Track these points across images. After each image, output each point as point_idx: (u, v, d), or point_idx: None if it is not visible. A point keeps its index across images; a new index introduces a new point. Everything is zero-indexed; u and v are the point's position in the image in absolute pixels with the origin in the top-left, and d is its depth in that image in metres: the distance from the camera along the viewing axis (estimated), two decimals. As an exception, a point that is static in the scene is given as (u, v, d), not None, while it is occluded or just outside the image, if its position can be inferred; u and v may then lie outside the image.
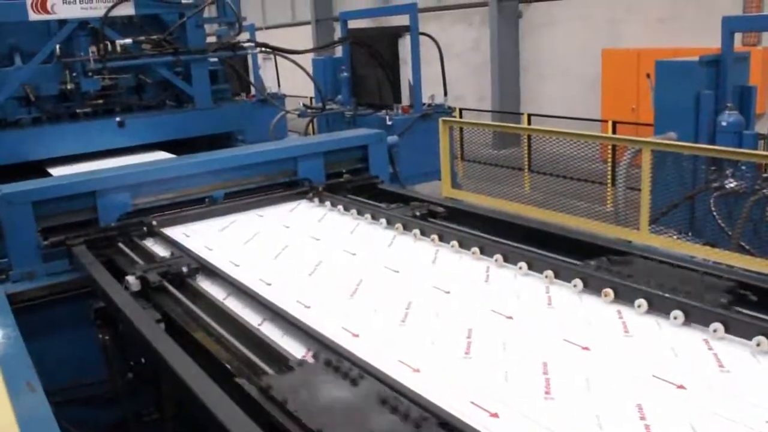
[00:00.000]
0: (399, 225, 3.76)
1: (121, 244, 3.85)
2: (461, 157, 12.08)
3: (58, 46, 5.47)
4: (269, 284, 3.11)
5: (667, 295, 2.53)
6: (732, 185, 6.07)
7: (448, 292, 2.90)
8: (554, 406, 1.99)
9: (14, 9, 5.23)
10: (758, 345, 2.21)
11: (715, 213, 6.13)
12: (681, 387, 2.04)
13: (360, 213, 4.11)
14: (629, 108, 12.35)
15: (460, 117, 13.36)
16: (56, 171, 5.28)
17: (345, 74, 10.07)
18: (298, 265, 3.35)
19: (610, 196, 8.44)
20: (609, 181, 9.74)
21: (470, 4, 16.51)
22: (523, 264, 3.05)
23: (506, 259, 3.14)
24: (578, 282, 2.79)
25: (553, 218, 5.81)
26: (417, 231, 3.63)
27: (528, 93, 15.79)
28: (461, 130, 11.42)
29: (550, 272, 2.92)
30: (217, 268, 3.25)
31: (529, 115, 13.49)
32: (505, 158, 12.37)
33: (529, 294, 2.83)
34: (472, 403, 2.02)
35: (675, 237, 5.87)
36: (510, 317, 2.61)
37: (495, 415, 1.95)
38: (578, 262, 3.00)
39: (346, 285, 3.04)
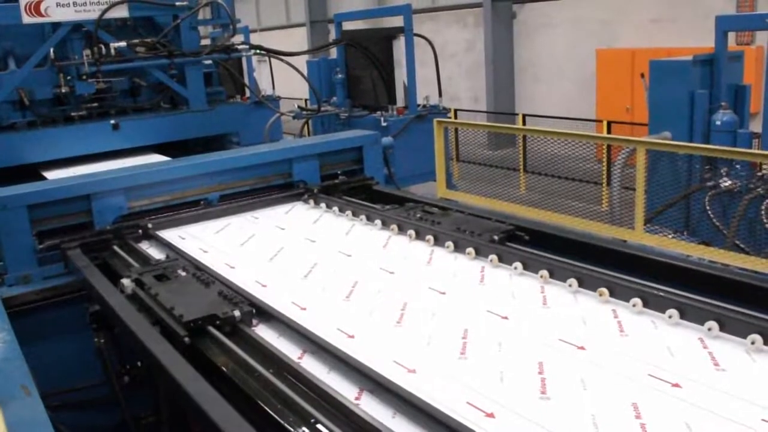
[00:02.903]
0: (394, 226, 3.76)
1: (116, 247, 3.84)
2: (456, 158, 12.08)
3: (52, 50, 5.46)
4: (264, 286, 3.11)
5: (662, 294, 2.53)
6: (727, 184, 6.08)
7: (443, 293, 2.89)
8: (550, 406, 1.99)
9: (8, 12, 5.21)
10: (753, 343, 2.22)
11: (710, 212, 6.14)
12: (676, 386, 2.04)
13: (355, 214, 4.10)
14: (624, 108, 12.37)
15: (455, 118, 13.37)
16: (51, 174, 5.26)
17: (340, 76, 10.06)
18: (293, 266, 3.35)
19: (605, 196, 8.45)
20: (604, 180, 9.77)
21: (464, 5, 16.53)
22: (518, 264, 3.05)
23: (501, 260, 3.15)
24: (573, 281, 2.80)
25: (548, 218, 5.82)
26: (412, 232, 3.63)
27: (523, 93, 15.81)
28: (456, 131, 11.41)
29: (545, 272, 2.93)
30: (212, 271, 3.25)
31: (524, 116, 13.51)
32: (500, 159, 12.38)
33: (525, 294, 2.83)
34: (468, 403, 2.02)
35: (670, 236, 5.88)
36: (505, 317, 2.61)
37: (491, 415, 1.95)
38: (573, 262, 3.01)
39: (341, 286, 3.04)
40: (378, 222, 3.88)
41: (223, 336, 2.59)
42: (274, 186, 4.64)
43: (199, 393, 2.07)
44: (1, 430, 1.81)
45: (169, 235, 3.98)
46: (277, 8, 24.44)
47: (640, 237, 5.33)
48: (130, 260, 3.60)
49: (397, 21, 9.55)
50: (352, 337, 2.52)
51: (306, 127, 10.72)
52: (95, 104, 5.81)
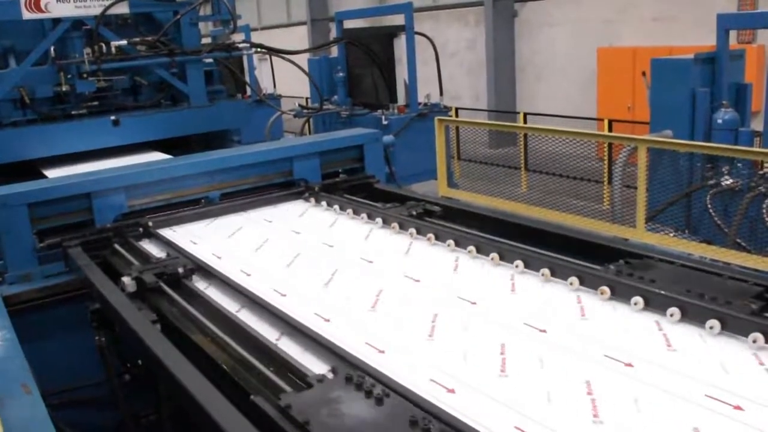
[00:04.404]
0: (395, 224, 3.73)
1: (116, 246, 3.83)
2: (457, 156, 12.08)
3: (52, 48, 5.45)
4: (284, 295, 2.99)
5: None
6: (728, 182, 6.08)
7: (473, 303, 2.74)
8: (603, 430, 1.87)
9: (8, 8, 5.20)
10: None
11: (711, 210, 6.14)
12: (738, 408, 1.91)
13: (356, 212, 4.08)
14: (625, 106, 12.37)
15: (456, 116, 13.36)
16: (51, 173, 5.26)
17: (341, 74, 10.07)
18: (312, 274, 3.21)
19: (606, 194, 8.44)
20: (605, 179, 9.76)
21: (465, 4, 16.52)
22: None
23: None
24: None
25: (550, 217, 5.81)
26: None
27: (524, 92, 15.80)
28: (457, 129, 11.42)
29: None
30: (212, 268, 3.24)
31: (525, 114, 13.50)
32: (501, 157, 12.37)
33: (560, 304, 2.66)
34: (517, 428, 1.88)
35: (671, 234, 5.87)
36: (543, 330, 2.46)
37: None
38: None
39: (365, 293, 2.89)
40: (379, 220, 3.84)
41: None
42: (275, 184, 4.64)
43: (200, 392, 2.06)
44: (0, 429, 1.80)
45: (170, 233, 3.97)
46: (278, 6, 24.42)
47: (641, 235, 5.32)
48: (131, 258, 3.59)
49: (398, 19, 9.56)
50: (383, 352, 2.36)
51: (307, 125, 10.73)
52: (96, 103, 5.80)
